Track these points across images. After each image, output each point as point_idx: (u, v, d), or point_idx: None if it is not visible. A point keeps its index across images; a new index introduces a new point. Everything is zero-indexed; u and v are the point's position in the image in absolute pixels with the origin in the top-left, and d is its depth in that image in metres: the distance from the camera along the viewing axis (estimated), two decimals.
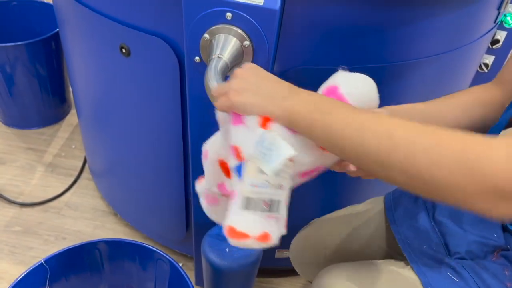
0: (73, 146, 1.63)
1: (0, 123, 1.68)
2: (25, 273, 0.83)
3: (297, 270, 0.91)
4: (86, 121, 1.23)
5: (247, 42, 0.68)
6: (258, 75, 0.56)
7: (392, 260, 0.72)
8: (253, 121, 0.55)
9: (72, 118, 1.75)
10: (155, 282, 0.94)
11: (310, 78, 0.78)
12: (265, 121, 0.54)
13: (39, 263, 0.84)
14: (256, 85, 0.55)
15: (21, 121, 1.66)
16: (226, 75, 0.66)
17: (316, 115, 0.51)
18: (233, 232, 0.54)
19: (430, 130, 0.45)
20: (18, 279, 0.81)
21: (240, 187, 0.55)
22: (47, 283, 0.86)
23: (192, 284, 0.84)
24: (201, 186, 0.73)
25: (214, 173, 0.67)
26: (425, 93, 0.89)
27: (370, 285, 0.66)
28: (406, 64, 0.80)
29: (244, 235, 0.54)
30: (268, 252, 1.07)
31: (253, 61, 0.71)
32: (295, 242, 0.89)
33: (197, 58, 0.72)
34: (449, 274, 0.64)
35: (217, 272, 0.89)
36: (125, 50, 0.84)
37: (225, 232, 0.55)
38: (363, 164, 0.49)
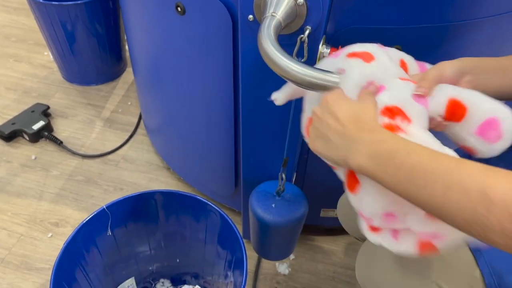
0: (129, 103, 1.70)
1: (64, 79, 1.78)
2: (90, 217, 0.90)
3: (344, 227, 0.93)
4: (142, 79, 1.28)
5: (301, 0, 0.67)
6: (330, 118, 0.52)
7: None
8: None
9: (127, 76, 1.81)
10: (206, 233, 1.00)
11: (363, 38, 0.76)
12: None
13: (101, 208, 0.91)
14: (326, 133, 0.53)
15: (81, 78, 1.74)
16: (279, 33, 0.67)
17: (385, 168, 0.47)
18: None
19: None
20: (84, 222, 0.89)
21: None
22: (109, 227, 0.94)
23: (241, 236, 0.89)
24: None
25: None
26: (486, 54, 0.85)
27: None
28: (466, 24, 0.76)
29: None
30: (313, 211, 1.09)
31: (306, 20, 0.70)
32: (342, 200, 0.90)
33: (250, 16, 0.73)
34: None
35: (263, 226, 0.92)
36: (180, 8, 0.86)
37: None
38: (450, 221, 0.43)
